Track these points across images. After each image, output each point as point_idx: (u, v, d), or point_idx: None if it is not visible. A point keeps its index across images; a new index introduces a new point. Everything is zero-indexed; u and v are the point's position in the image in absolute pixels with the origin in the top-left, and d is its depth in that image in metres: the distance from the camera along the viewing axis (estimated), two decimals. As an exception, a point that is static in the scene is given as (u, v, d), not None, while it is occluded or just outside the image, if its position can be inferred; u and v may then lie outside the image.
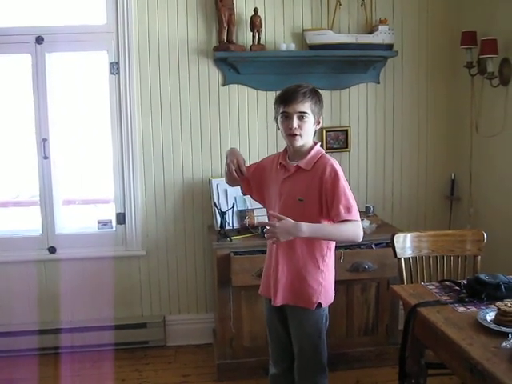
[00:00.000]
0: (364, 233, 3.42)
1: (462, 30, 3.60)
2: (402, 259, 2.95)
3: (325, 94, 3.84)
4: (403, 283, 2.91)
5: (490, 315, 2.17)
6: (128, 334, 3.96)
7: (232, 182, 2.75)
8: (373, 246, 3.49)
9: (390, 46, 3.83)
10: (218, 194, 3.70)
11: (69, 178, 4.02)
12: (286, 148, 2.62)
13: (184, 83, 3.85)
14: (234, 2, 3.72)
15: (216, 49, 3.74)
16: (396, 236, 2.94)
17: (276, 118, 2.55)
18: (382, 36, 3.78)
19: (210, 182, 3.76)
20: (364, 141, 4.06)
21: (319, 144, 2.58)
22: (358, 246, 3.47)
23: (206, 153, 3.90)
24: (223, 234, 3.47)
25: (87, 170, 4.05)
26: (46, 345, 3.89)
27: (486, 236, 2.96)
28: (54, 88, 3.85)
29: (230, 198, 3.68)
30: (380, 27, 3.78)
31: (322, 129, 3.94)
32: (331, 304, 2.62)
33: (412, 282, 2.93)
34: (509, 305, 2.13)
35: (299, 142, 2.49)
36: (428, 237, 3.00)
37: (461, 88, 3.93)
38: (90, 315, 3.97)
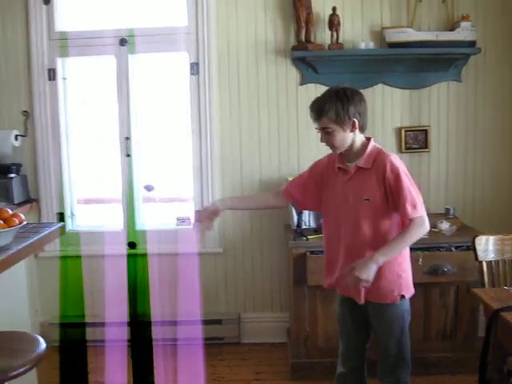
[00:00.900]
0: (443, 235, 3.45)
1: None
2: (484, 262, 2.85)
3: (404, 93, 3.87)
4: (484, 287, 2.82)
5: None
6: (204, 330, 4.03)
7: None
8: (452, 249, 3.40)
9: (472, 43, 3.72)
10: (295, 193, 3.70)
11: (150, 176, 4.13)
12: None
13: (262, 83, 3.89)
14: (312, 1, 3.72)
15: (294, 48, 3.76)
16: (478, 238, 2.85)
17: None
18: (463, 33, 3.68)
19: (287, 181, 3.76)
20: (444, 141, 3.96)
21: (373, 139, 2.53)
22: (438, 248, 3.39)
23: (283, 152, 3.93)
24: (300, 232, 3.47)
25: (167, 168, 4.15)
26: (122, 337, 4.00)
27: None
28: (136, 88, 3.98)
29: (306, 197, 3.67)
30: (462, 23, 3.68)
31: (400, 128, 3.89)
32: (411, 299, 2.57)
33: (494, 287, 2.83)
34: None
35: (337, 151, 2.50)
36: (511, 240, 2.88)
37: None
38: (167, 310, 4.06)
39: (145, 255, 4.04)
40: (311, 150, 3.84)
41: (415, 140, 3.92)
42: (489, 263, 2.86)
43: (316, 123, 2.47)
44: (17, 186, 3.81)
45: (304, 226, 3.56)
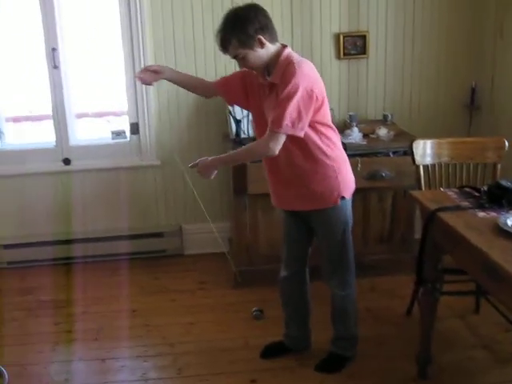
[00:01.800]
0: (381, 141, 3.48)
1: None
2: (421, 166, 2.91)
3: None
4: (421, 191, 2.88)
5: (511, 220, 2.14)
6: (145, 244, 4.04)
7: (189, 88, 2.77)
8: (390, 154, 3.44)
9: None
10: (233, 101, 3.62)
11: (80, 90, 3.95)
12: None
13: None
14: None
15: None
16: (415, 142, 2.89)
17: None
18: None
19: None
20: (383, 47, 3.91)
21: (287, 49, 2.41)
22: (375, 154, 3.43)
23: (218, 55, 3.78)
24: (239, 142, 3.42)
25: (99, 80, 3.97)
26: (63, 255, 3.99)
27: (507, 144, 2.90)
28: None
29: (245, 106, 3.60)
30: None
31: (339, 34, 3.82)
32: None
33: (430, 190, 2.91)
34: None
35: (259, 70, 2.43)
36: (448, 144, 2.93)
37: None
38: (107, 225, 4.03)
39: (81, 171, 3.93)
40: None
41: (353, 46, 3.87)
42: (425, 167, 2.92)
43: (227, 54, 2.40)
44: None
45: (243, 136, 3.51)
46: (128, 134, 3.95)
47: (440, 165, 2.94)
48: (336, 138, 2.52)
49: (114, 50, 3.84)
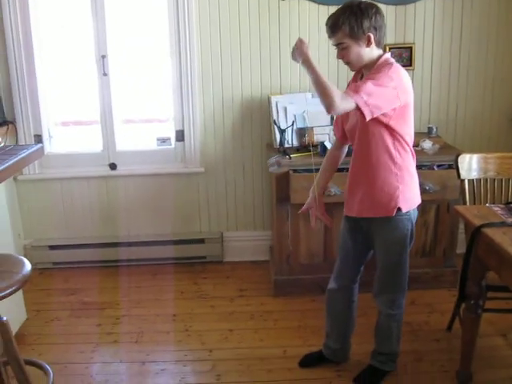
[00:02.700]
0: (425, 154, 3.45)
1: None
2: (466, 181, 2.87)
3: (389, 10, 3.77)
4: (465, 205, 2.85)
5: (559, 238, 2.11)
6: (186, 249, 4.09)
7: None
8: (434, 168, 3.42)
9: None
10: (278, 111, 3.65)
11: (128, 97, 4.03)
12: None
13: (243, -3, 3.75)
14: None
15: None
16: (461, 157, 2.86)
17: None
18: None
19: (269, 99, 3.71)
20: (429, 59, 3.89)
21: (388, 54, 2.41)
22: (420, 167, 3.39)
23: (265, 69, 3.83)
24: (282, 151, 3.45)
25: (146, 88, 4.04)
26: (107, 257, 4.08)
27: (555, 160, 2.85)
28: (112, 3, 3.80)
29: (289, 116, 3.63)
30: None
31: (384, 46, 3.79)
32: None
33: (475, 205, 2.87)
34: None
35: (354, 68, 2.42)
36: (495, 158, 2.89)
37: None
38: (150, 230, 4.11)
39: (126, 176, 4.02)
40: (294, 66, 3.77)
41: (399, 57, 3.85)
42: (471, 182, 2.89)
43: (331, 39, 2.39)
44: (-9, 107, 3.70)
45: (287, 145, 3.53)
46: (173, 140, 4.01)
47: (486, 180, 2.91)
48: (410, 153, 2.47)
49: (161, 57, 3.91)
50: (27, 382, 2.21)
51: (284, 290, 3.59)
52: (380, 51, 2.41)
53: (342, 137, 2.68)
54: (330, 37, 2.39)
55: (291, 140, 3.58)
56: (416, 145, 3.55)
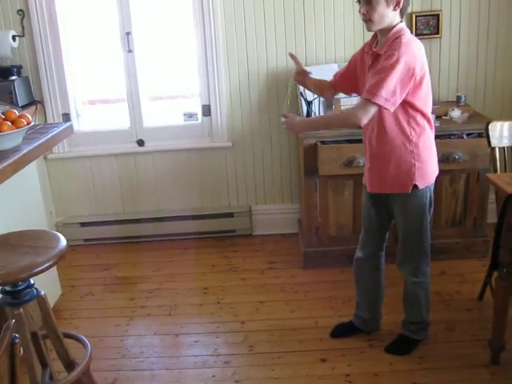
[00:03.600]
0: (454, 123, 3.41)
1: None
2: (497, 149, 2.83)
3: None
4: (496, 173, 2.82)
5: None
6: (215, 224, 4.12)
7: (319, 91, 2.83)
8: (464, 136, 3.38)
9: None
10: (304, 83, 3.63)
11: (154, 73, 4.04)
12: (374, 34, 2.46)
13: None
14: None
15: None
16: (492, 124, 2.81)
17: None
18: None
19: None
20: (456, 26, 3.81)
21: (402, 24, 2.35)
22: (449, 136, 3.37)
23: (290, 41, 3.79)
24: (309, 124, 3.43)
25: (172, 64, 4.05)
26: (137, 233, 4.15)
27: None
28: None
29: (316, 88, 3.60)
30: None
31: (410, 13, 3.74)
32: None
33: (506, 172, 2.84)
34: None
35: (373, 28, 2.34)
36: (527, 125, 2.85)
37: None
38: (179, 205, 4.15)
39: (154, 152, 4.05)
40: (319, 38, 3.76)
41: (426, 25, 3.79)
42: (502, 149, 2.85)
43: None
44: (20, 88, 3.73)
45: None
46: (200, 115, 4.02)
47: (517, 147, 2.87)
48: (427, 126, 2.44)
49: (185, 32, 3.90)
50: (66, 354, 2.27)
51: (314, 262, 3.60)
52: (399, 19, 2.35)
53: (337, 85, 2.71)
54: None
55: (318, 112, 3.56)
56: (445, 114, 3.53)
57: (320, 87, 2.81)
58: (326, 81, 2.79)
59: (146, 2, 3.88)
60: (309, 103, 3.49)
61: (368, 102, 2.24)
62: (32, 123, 2.56)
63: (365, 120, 2.26)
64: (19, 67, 3.82)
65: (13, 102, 3.67)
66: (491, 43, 3.84)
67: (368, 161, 2.58)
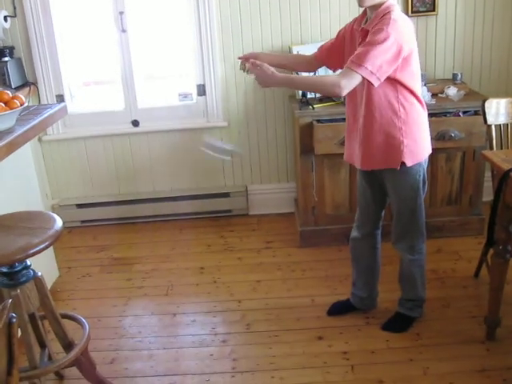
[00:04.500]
0: (451, 100, 3.40)
1: None
2: (493, 126, 2.83)
3: None
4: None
5: None
6: (211, 204, 4.12)
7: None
8: (460, 114, 3.37)
9: None
10: (299, 62, 3.61)
11: (148, 54, 4.01)
12: (364, 10, 2.42)
13: None
14: None
15: None
16: (488, 101, 2.80)
17: None
18: None
19: (290, 50, 3.66)
20: (453, 3, 3.77)
21: (392, 1, 2.31)
22: (445, 113, 3.36)
23: (284, 19, 3.76)
24: (305, 102, 3.41)
25: (166, 43, 4.01)
26: (132, 214, 4.15)
27: None
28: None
29: (311, 67, 3.58)
30: None
31: (407, -10, 3.72)
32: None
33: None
34: None
35: (365, 3, 2.29)
36: (523, 102, 2.84)
37: None
38: (174, 185, 4.14)
39: (149, 132, 4.03)
40: (314, 15, 3.72)
41: (422, 2, 3.75)
42: (498, 127, 2.84)
43: None
44: (12, 69, 3.70)
45: (309, 95, 3.49)
46: (195, 95, 4.00)
47: (513, 125, 2.86)
48: (417, 103, 2.42)
49: (179, 11, 3.85)
50: (64, 334, 2.28)
51: (310, 241, 3.61)
52: None
53: (322, 58, 2.62)
54: None
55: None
56: (441, 91, 3.52)
57: (293, 63, 2.73)
58: (302, 55, 2.74)
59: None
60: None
61: (352, 71, 2.18)
62: (25, 104, 2.54)
63: (346, 90, 2.20)
64: (12, 48, 3.78)
65: (6, 84, 3.65)
66: (487, 21, 3.81)
67: (354, 137, 2.53)
